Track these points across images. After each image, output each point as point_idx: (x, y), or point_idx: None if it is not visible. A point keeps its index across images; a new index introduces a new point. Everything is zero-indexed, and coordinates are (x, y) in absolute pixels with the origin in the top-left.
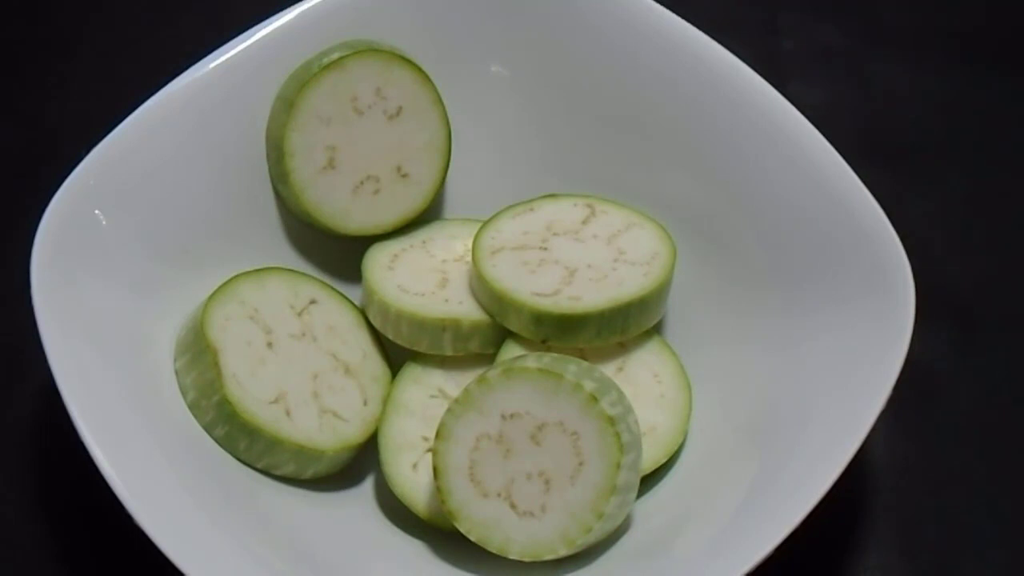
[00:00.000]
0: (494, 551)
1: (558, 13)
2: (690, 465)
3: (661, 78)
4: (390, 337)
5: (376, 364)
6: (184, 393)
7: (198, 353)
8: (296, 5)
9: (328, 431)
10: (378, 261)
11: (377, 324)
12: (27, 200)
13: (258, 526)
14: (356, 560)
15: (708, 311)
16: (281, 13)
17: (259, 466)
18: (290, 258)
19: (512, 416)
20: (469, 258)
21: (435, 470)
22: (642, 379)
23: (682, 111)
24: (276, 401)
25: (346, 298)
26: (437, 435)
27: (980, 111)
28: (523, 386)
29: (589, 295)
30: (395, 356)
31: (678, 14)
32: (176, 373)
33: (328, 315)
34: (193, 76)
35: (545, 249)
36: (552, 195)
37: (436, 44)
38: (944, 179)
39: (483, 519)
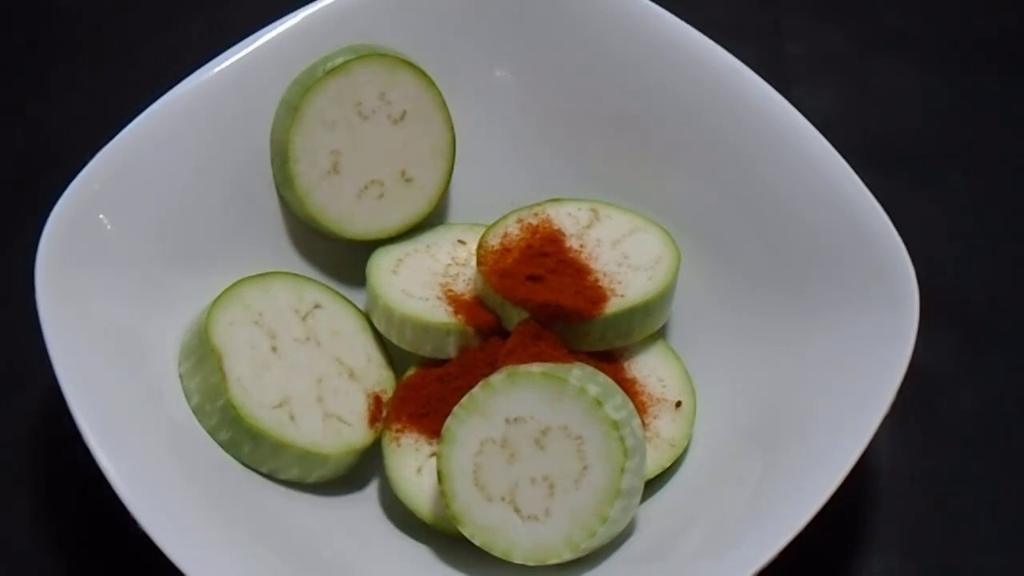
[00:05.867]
0: (498, 555)
1: (561, 17)
2: (694, 470)
3: (664, 82)
4: (394, 341)
5: (380, 368)
6: (188, 397)
7: (202, 357)
8: (300, 9)
9: (332, 435)
10: (382, 265)
11: (381, 328)
12: (31, 204)
13: (263, 530)
14: (360, 564)
15: (712, 316)
16: (285, 17)
17: (263, 470)
18: (294, 262)
19: (516, 420)
20: (473, 262)
21: (439, 474)
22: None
23: (685, 115)
24: (280, 405)
25: (350, 302)
26: (441, 439)
27: (985, 115)
28: (527, 390)
29: None
30: (399, 360)
31: (682, 18)
32: (180, 377)
33: (332, 319)
34: (197, 80)
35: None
36: (556, 199)
37: (440, 48)
38: (948, 184)
39: (487, 523)
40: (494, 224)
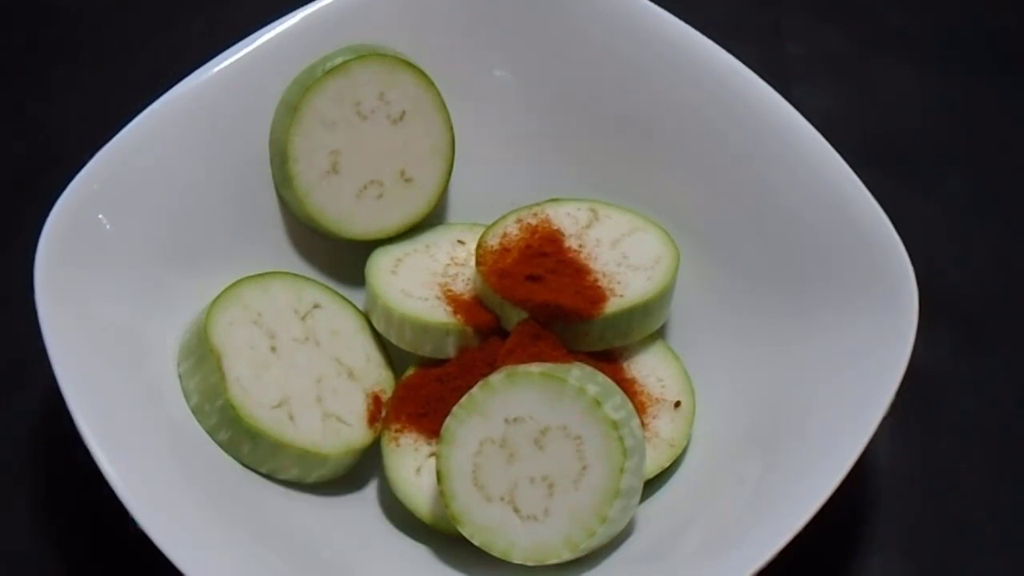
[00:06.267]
0: (497, 555)
1: (561, 17)
2: (693, 470)
3: (664, 82)
4: (393, 341)
5: (379, 368)
6: (187, 397)
7: (202, 357)
8: (299, 9)
9: (332, 435)
10: (381, 265)
11: (380, 328)
12: (31, 205)
13: (262, 530)
14: (359, 564)
15: (712, 316)
16: (285, 17)
17: (263, 470)
18: (293, 262)
19: (515, 420)
20: (472, 262)
21: (438, 474)
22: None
23: (685, 115)
24: (279, 405)
25: (349, 302)
26: (440, 439)
27: (984, 115)
28: (526, 390)
29: None
30: (398, 360)
31: (682, 18)
32: (180, 377)
33: (331, 319)
34: (197, 80)
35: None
36: (555, 199)
37: (440, 48)
38: (948, 183)
39: (486, 523)
40: (493, 224)
